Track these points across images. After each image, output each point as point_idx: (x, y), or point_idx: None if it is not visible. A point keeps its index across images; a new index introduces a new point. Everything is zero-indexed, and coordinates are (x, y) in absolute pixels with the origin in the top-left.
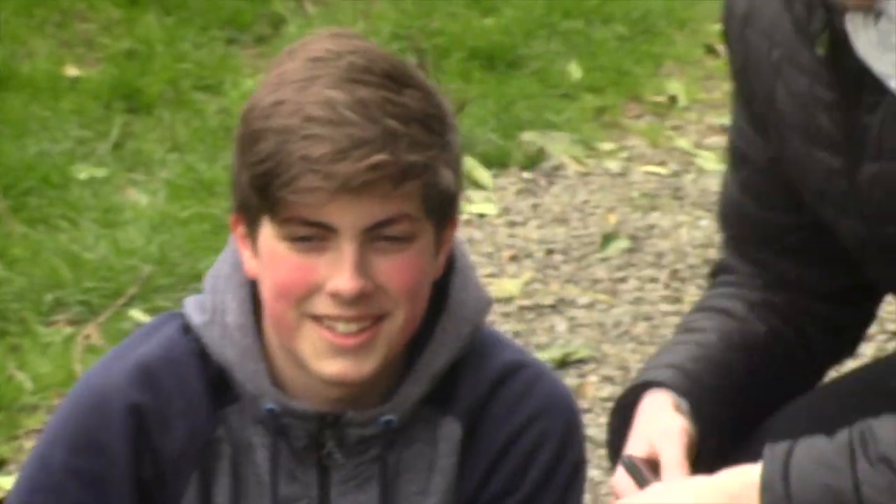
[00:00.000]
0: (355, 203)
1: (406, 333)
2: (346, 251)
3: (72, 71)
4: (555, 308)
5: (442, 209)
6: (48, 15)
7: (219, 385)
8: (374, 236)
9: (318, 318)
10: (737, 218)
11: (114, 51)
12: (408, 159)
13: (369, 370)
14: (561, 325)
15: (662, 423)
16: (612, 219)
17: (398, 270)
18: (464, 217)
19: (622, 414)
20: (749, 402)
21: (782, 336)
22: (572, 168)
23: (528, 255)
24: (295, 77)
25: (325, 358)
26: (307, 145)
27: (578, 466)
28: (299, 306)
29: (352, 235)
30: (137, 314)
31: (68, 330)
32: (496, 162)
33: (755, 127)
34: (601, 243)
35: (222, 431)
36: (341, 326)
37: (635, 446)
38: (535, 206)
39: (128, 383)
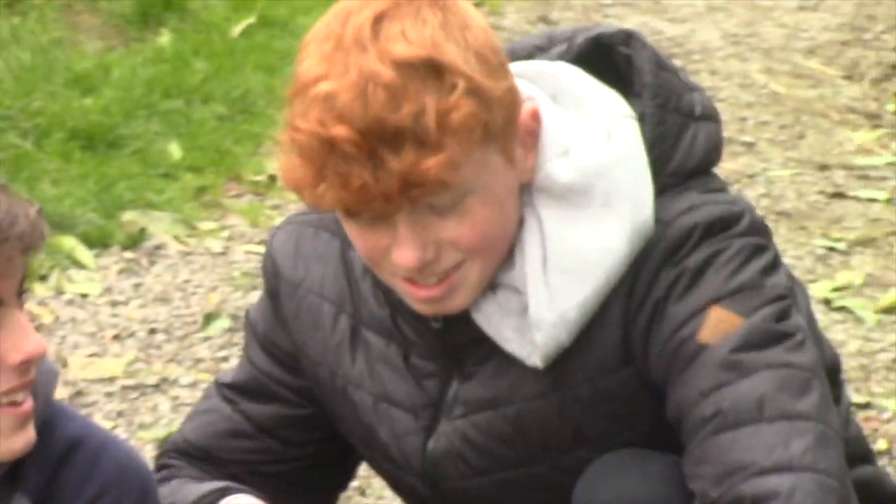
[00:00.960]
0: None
1: None
2: (18, 317)
3: None
4: (158, 387)
5: None
6: None
7: None
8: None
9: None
10: (225, 440)
11: None
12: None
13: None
14: (164, 404)
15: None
16: (214, 298)
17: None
18: (66, 297)
19: None
20: None
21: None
22: (174, 247)
23: (131, 335)
24: None
25: (12, 436)
26: None
27: None
28: None
29: (19, 306)
30: None
31: None
32: (98, 242)
33: (290, 371)
34: (203, 322)
35: None
36: (20, 396)
37: None
38: (137, 286)
39: None
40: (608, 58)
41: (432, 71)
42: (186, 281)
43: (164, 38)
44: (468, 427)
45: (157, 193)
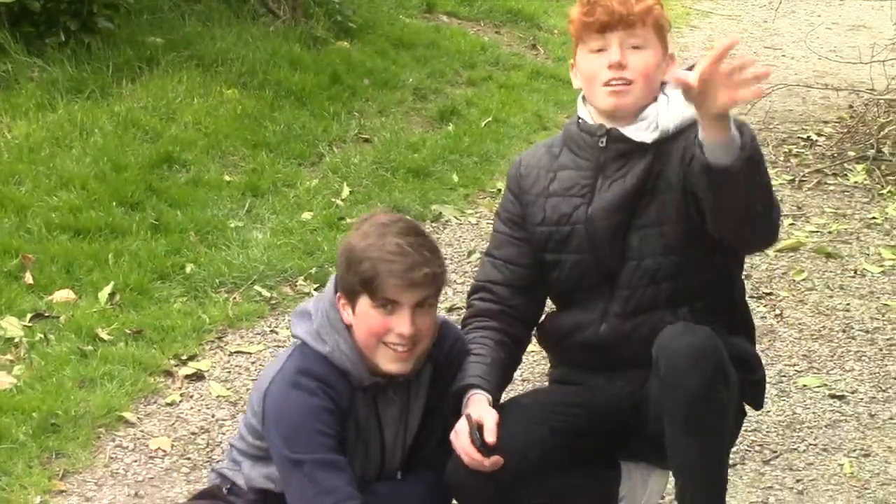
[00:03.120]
0: (415, 291)
1: (426, 353)
2: (406, 314)
3: None
4: (450, 280)
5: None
6: None
7: (343, 375)
8: (420, 305)
9: (387, 344)
10: (494, 272)
11: None
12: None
13: (411, 368)
14: (454, 287)
15: (486, 409)
16: (472, 244)
17: (429, 324)
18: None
19: (456, 398)
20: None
21: (512, 342)
22: (454, 221)
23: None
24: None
25: (389, 363)
26: (390, 264)
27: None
28: (379, 340)
29: (410, 307)
30: (260, 289)
31: (226, 295)
32: (420, 219)
33: (517, 227)
34: (467, 254)
35: (355, 395)
36: (400, 349)
37: (473, 413)
38: (437, 238)
39: (309, 378)
40: None
41: None
42: (460, 236)
43: (450, 127)
44: (608, 196)
45: (446, 197)
